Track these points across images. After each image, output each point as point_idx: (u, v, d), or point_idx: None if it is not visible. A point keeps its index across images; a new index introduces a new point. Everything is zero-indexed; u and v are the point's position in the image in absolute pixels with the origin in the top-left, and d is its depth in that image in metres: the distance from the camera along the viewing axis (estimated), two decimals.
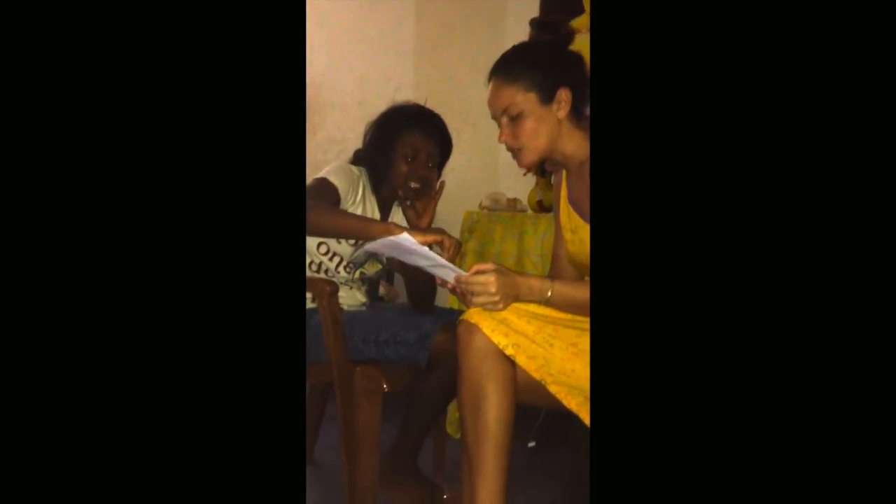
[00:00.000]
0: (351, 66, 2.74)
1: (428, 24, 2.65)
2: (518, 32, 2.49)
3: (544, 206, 1.95)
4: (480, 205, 2.07)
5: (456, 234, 2.00)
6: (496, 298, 1.04)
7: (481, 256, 1.90)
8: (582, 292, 1.09)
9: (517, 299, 1.06)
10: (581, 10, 2.20)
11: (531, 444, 1.83)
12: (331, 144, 2.76)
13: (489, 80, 1.13)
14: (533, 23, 1.16)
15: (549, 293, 1.07)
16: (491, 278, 1.04)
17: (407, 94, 2.60)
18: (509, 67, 1.11)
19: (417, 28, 2.67)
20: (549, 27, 1.15)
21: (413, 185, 1.43)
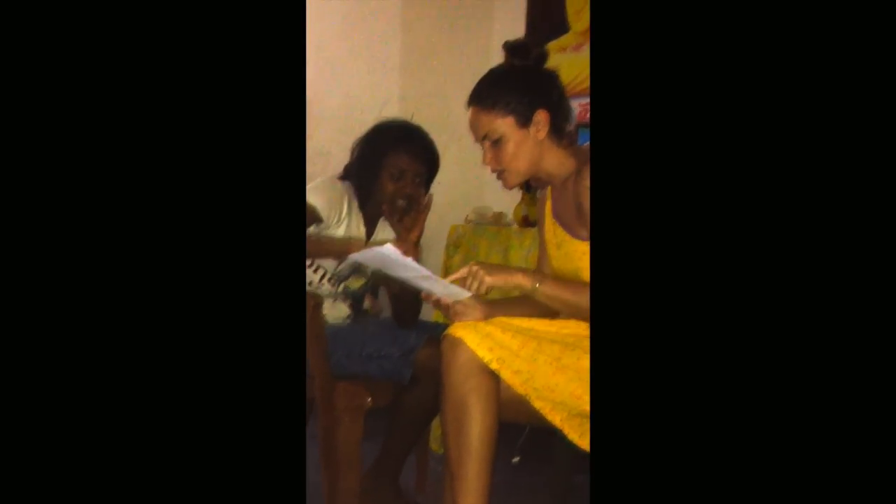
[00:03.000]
0: (338, 79, 2.75)
1: (415, 39, 2.66)
2: (503, 35, 2.52)
3: (529, 221, 1.95)
4: (466, 218, 2.07)
5: (441, 248, 2.00)
6: (488, 280, 1.06)
7: None
8: (571, 288, 1.09)
9: (508, 282, 1.08)
10: (566, 29, 2.22)
11: (515, 460, 1.81)
12: (317, 157, 2.74)
13: (468, 106, 1.15)
14: (506, 46, 1.18)
15: (538, 284, 1.08)
16: (475, 267, 1.07)
17: (393, 109, 2.61)
18: (486, 94, 1.14)
19: (404, 43, 2.68)
20: (520, 50, 1.17)
21: (399, 202, 1.44)
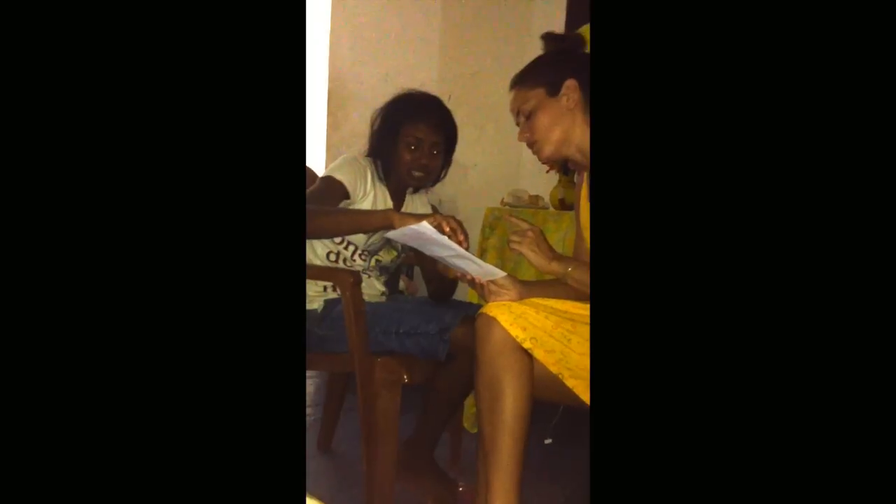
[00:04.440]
0: (376, 60, 2.76)
1: (454, 20, 2.65)
2: (544, 28, 2.48)
3: (566, 205, 1.94)
4: (502, 201, 2.07)
5: (477, 230, 2.01)
6: (532, 252, 1.11)
7: (502, 253, 1.91)
8: None
9: (543, 264, 1.12)
10: None
11: (548, 441, 1.84)
12: (354, 139, 2.77)
13: (510, 90, 1.18)
14: (545, 36, 1.21)
15: (570, 268, 1.12)
16: (533, 232, 1.12)
17: (431, 90, 2.61)
18: (522, 76, 1.18)
19: (444, 23, 2.67)
20: (556, 38, 1.20)
21: (416, 173, 1.46)
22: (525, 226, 1.15)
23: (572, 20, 2.31)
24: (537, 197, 2.06)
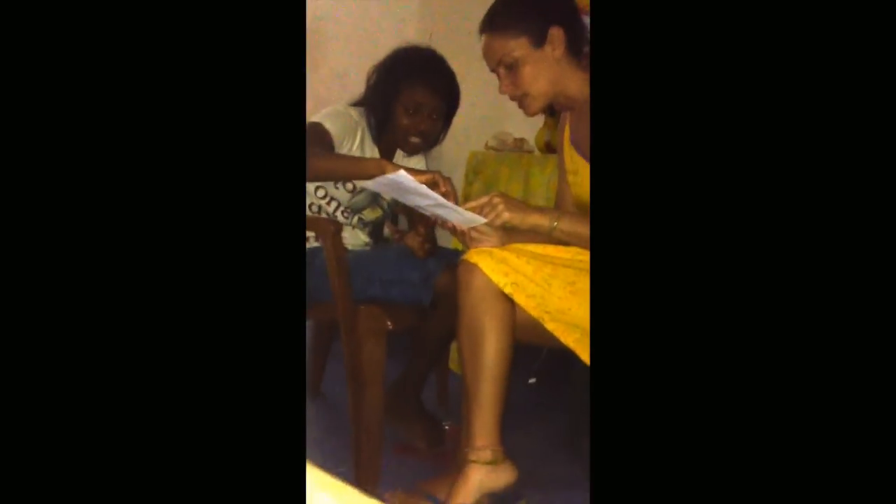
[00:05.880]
0: None
1: None
2: None
3: (552, 147, 1.92)
4: (486, 144, 2.04)
5: (461, 175, 1.98)
6: (506, 216, 1.05)
7: None
8: (589, 223, 1.09)
9: (524, 222, 1.07)
10: None
11: (531, 381, 1.89)
12: (333, 79, 2.69)
13: (480, 34, 1.11)
14: None
15: (556, 223, 1.08)
16: (497, 199, 1.06)
17: (410, 30, 2.52)
18: (497, 18, 1.10)
19: None
20: None
21: (413, 139, 1.40)
22: (482, 199, 1.07)
23: None
24: (522, 140, 2.02)
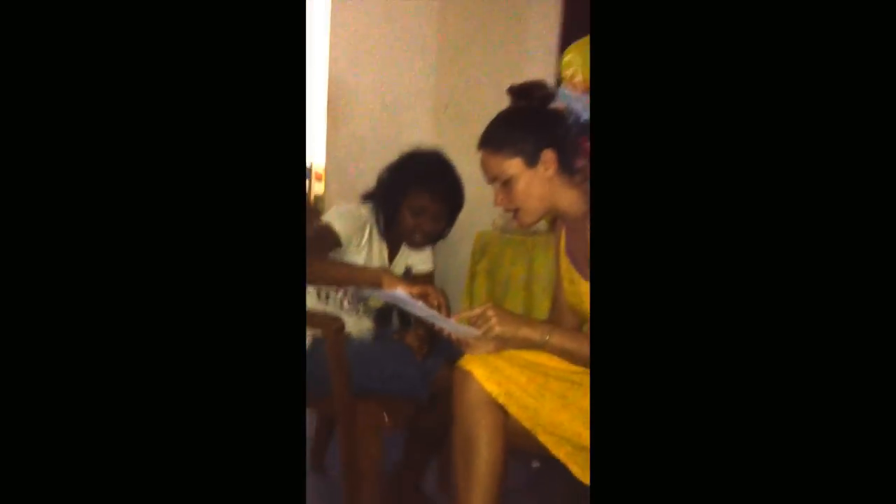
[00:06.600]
0: (375, 68, 2.75)
1: (451, 32, 2.63)
2: (539, 40, 2.43)
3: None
4: (493, 223, 2.08)
5: (467, 253, 2.02)
6: (497, 329, 1.08)
7: (492, 277, 1.93)
8: (579, 344, 1.11)
9: (516, 335, 1.10)
10: None
11: (536, 465, 1.87)
12: (352, 140, 2.78)
13: (478, 149, 1.17)
14: (510, 90, 1.19)
15: (548, 337, 1.10)
16: (490, 311, 1.09)
17: (427, 100, 2.60)
18: (494, 137, 1.16)
19: (440, 35, 2.65)
20: (525, 92, 1.18)
21: (417, 237, 1.48)
22: (476, 311, 1.10)
23: (567, 32, 2.29)
24: None
